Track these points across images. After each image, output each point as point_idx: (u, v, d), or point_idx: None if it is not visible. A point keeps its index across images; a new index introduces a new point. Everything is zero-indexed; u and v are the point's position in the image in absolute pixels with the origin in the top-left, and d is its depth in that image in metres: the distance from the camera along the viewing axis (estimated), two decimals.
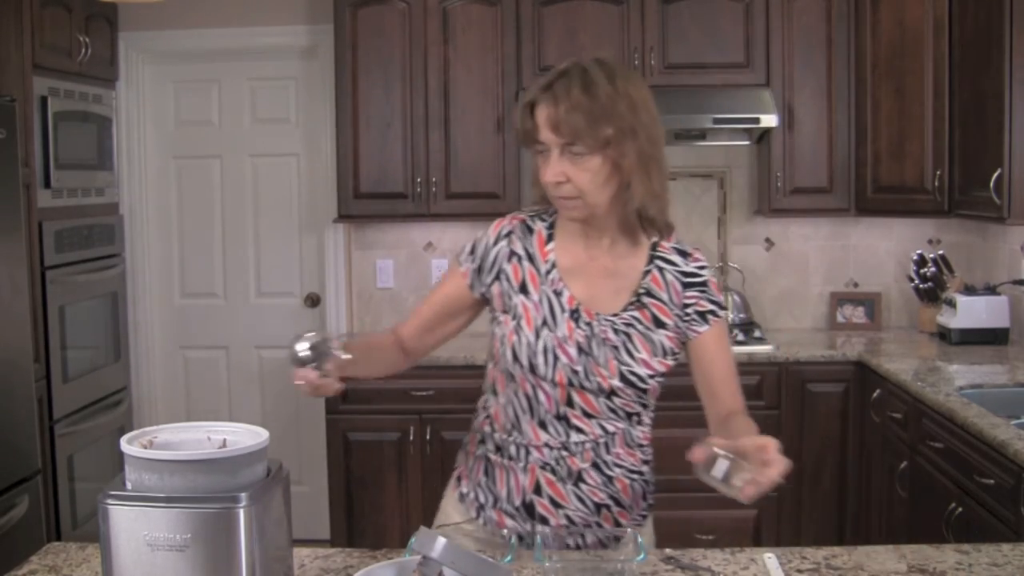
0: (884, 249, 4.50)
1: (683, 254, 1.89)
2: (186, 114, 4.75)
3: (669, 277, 1.86)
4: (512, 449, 1.88)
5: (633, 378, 1.82)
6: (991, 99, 3.44)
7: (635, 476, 1.91)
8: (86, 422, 4.06)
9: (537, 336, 1.82)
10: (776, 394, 3.93)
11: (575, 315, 1.82)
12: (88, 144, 4.21)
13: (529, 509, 1.87)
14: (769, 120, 4.01)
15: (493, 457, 1.91)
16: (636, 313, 1.84)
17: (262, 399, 4.80)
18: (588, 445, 1.84)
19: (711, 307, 1.87)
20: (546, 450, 1.85)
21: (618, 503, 1.90)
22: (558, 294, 1.84)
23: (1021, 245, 3.82)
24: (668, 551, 1.80)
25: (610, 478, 1.88)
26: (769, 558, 1.75)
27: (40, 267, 3.79)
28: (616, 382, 1.81)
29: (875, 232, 4.49)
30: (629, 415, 1.86)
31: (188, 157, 4.76)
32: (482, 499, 1.92)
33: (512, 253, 1.88)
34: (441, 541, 1.44)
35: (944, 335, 3.98)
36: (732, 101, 4.07)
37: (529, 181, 1.96)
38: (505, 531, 1.79)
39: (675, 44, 4.12)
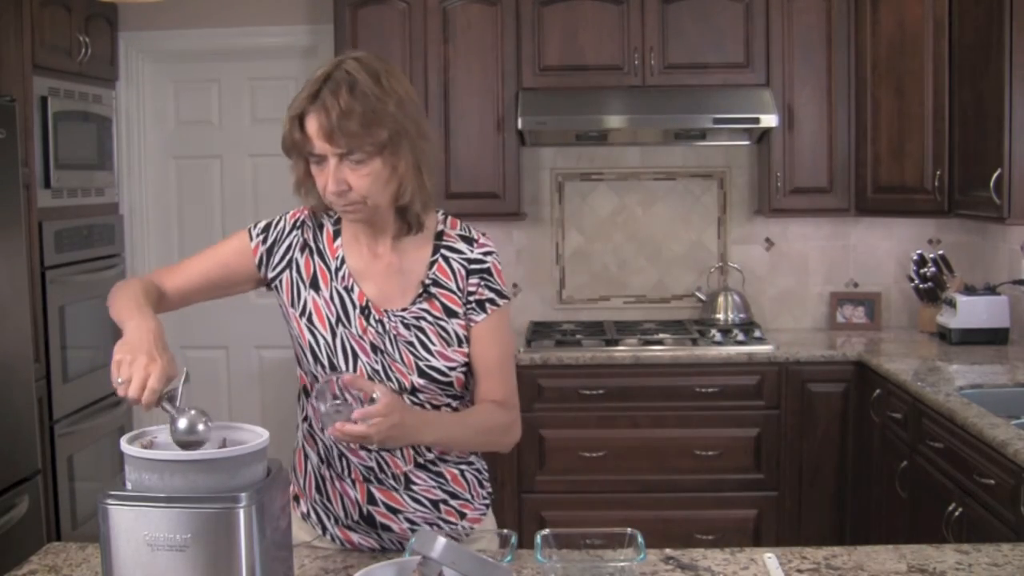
0: (884, 249, 4.50)
1: (468, 240, 1.85)
2: (186, 114, 4.75)
3: (455, 265, 1.83)
4: (336, 459, 1.85)
5: (433, 372, 1.79)
6: (991, 99, 3.44)
7: (464, 466, 1.89)
8: (86, 422, 4.06)
9: (333, 334, 1.80)
10: (776, 394, 3.93)
11: (365, 312, 1.79)
12: (88, 144, 4.21)
13: (369, 520, 1.85)
14: (769, 120, 4.01)
15: (321, 471, 1.88)
16: (425, 305, 1.80)
17: (262, 399, 4.80)
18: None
19: (490, 296, 1.83)
20: (364, 453, 1.82)
21: (455, 496, 1.88)
22: (348, 290, 1.81)
23: (1021, 245, 3.82)
24: (668, 551, 1.80)
25: (438, 473, 1.86)
26: (769, 558, 1.75)
27: (40, 267, 3.79)
28: (416, 378, 1.79)
29: (875, 232, 4.49)
30: (436, 407, 1.83)
31: (188, 157, 4.76)
32: (323, 518, 1.90)
33: (305, 244, 1.85)
34: (441, 541, 1.44)
35: (944, 335, 3.98)
36: (732, 101, 4.07)
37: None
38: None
39: (675, 44, 4.12)
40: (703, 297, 4.45)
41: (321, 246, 1.85)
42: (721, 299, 4.38)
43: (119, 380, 1.50)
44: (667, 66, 4.13)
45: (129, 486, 1.40)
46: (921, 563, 1.73)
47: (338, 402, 1.61)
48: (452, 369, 1.81)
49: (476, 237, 1.86)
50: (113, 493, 1.38)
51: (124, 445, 1.41)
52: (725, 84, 4.13)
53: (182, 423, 1.47)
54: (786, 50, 4.12)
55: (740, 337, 4.08)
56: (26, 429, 3.50)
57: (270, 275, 1.86)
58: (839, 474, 3.94)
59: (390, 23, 4.17)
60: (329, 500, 1.88)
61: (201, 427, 1.48)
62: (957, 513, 2.80)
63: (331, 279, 1.82)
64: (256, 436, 1.47)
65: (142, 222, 4.70)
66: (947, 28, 3.79)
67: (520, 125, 4.04)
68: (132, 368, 1.51)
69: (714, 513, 3.95)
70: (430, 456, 1.84)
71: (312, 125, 1.70)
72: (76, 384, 4.01)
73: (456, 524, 1.86)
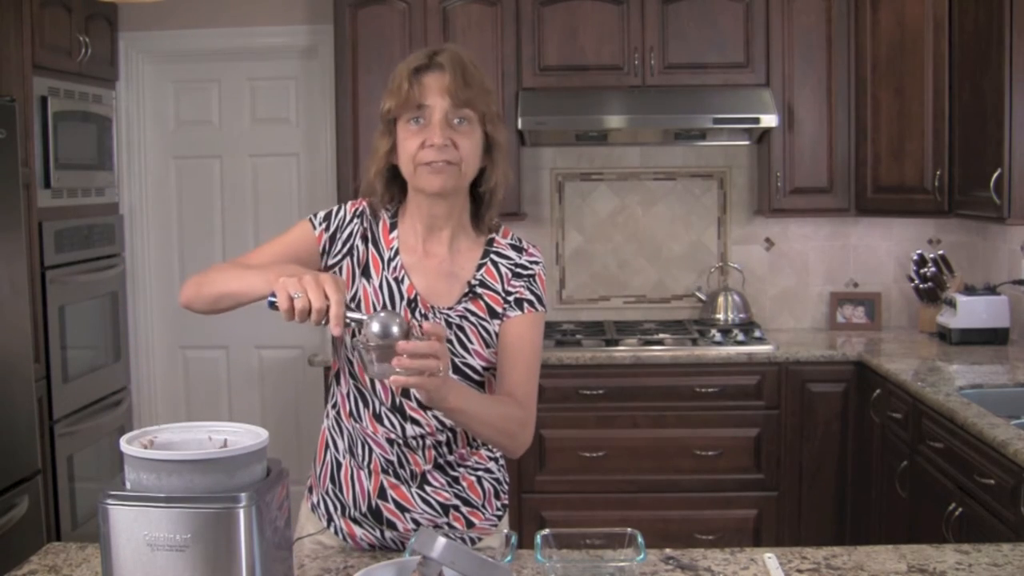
0: (884, 249, 4.50)
1: (518, 249, 1.91)
2: (186, 114, 4.75)
3: (503, 269, 1.88)
4: (360, 448, 1.87)
5: (467, 370, 1.82)
6: (991, 99, 3.44)
7: (482, 473, 1.90)
8: (86, 422, 4.06)
9: None
10: (776, 394, 3.93)
11: (412, 305, 1.82)
12: (88, 144, 4.21)
13: (376, 514, 1.86)
14: (769, 120, 4.01)
15: (340, 459, 1.90)
16: (470, 305, 1.84)
17: (262, 399, 4.80)
18: (428, 441, 1.83)
19: (530, 297, 1.87)
20: (387, 445, 1.83)
21: (467, 503, 1.89)
22: (399, 281, 1.84)
23: (1021, 245, 3.82)
24: (668, 551, 1.80)
25: (455, 478, 1.87)
26: (769, 558, 1.75)
27: (40, 267, 3.79)
28: (450, 374, 1.79)
29: (875, 232, 4.49)
30: None
31: (188, 157, 4.76)
32: (331, 508, 1.91)
33: (365, 233, 1.88)
34: (441, 541, 1.44)
35: (944, 335, 3.98)
36: (732, 101, 4.07)
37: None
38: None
39: (675, 44, 4.13)
40: (703, 297, 4.45)
41: (377, 235, 1.88)
42: (721, 299, 4.38)
43: (295, 295, 1.50)
44: (667, 66, 4.13)
45: (129, 486, 1.40)
46: (921, 563, 1.73)
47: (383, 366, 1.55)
48: (486, 369, 1.84)
49: (526, 247, 1.92)
50: (113, 493, 1.38)
51: (124, 445, 1.41)
52: (725, 84, 4.13)
53: (375, 327, 1.51)
54: (786, 50, 4.12)
55: (740, 337, 4.08)
56: (26, 429, 3.50)
57: (330, 262, 1.87)
58: (839, 474, 3.94)
59: (390, 23, 4.17)
60: (341, 489, 1.89)
61: (395, 329, 1.51)
62: (957, 513, 2.80)
63: (383, 268, 1.85)
64: (256, 436, 1.47)
65: (142, 222, 4.70)
66: (947, 28, 3.79)
67: (520, 125, 4.04)
68: (303, 284, 1.51)
69: (714, 513, 3.95)
70: (450, 458, 1.86)
71: (434, 80, 1.76)
72: (76, 384, 4.01)
73: (462, 533, 1.86)
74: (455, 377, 1.81)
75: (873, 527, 3.72)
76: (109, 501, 1.37)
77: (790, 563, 1.74)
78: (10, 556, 2.68)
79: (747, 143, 4.44)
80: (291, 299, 1.51)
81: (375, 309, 1.82)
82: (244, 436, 1.48)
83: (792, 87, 4.13)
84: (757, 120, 4.02)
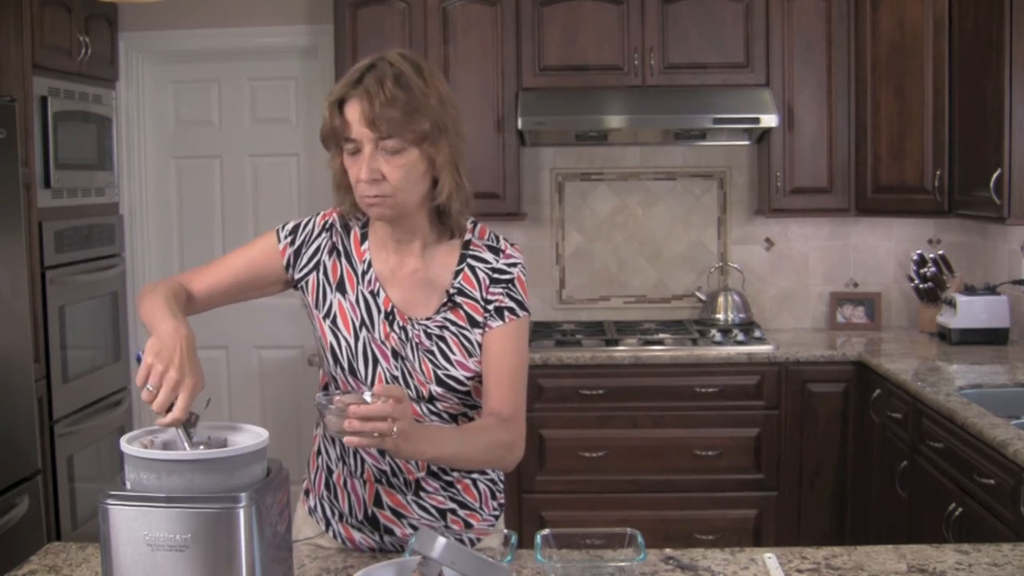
0: (884, 249, 4.50)
1: (495, 250, 1.84)
2: (186, 114, 4.75)
3: (480, 275, 1.82)
4: (351, 456, 1.84)
5: (451, 382, 1.78)
6: (991, 99, 3.44)
7: (477, 475, 1.88)
8: (86, 422, 4.06)
9: (356, 338, 1.79)
10: (776, 394, 3.93)
11: (389, 317, 1.79)
12: (88, 144, 4.21)
13: (373, 522, 1.85)
14: (769, 120, 4.01)
15: (333, 466, 1.88)
16: (449, 314, 1.79)
17: (262, 399, 4.80)
18: None
19: (511, 304, 1.81)
20: (378, 455, 1.81)
21: (464, 506, 1.87)
22: (374, 295, 1.80)
23: (1021, 245, 3.82)
24: (668, 551, 1.80)
25: (449, 483, 1.85)
26: (769, 558, 1.75)
27: (40, 267, 3.79)
28: (435, 387, 1.78)
29: (875, 232, 4.49)
30: (454, 416, 1.83)
31: (188, 157, 4.76)
32: (328, 513, 1.90)
33: (334, 247, 1.83)
34: (441, 541, 1.44)
35: (944, 335, 3.98)
36: (732, 101, 4.07)
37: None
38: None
39: (675, 44, 4.13)
40: (703, 297, 4.46)
41: (349, 249, 1.83)
42: (721, 299, 4.38)
43: (149, 387, 1.49)
44: (667, 66, 4.13)
45: (129, 486, 1.40)
46: (921, 563, 1.73)
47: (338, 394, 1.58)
48: (470, 379, 1.80)
49: (503, 247, 1.85)
50: (113, 493, 1.38)
51: (124, 445, 1.41)
52: (725, 84, 4.13)
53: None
54: (786, 50, 4.12)
55: (740, 337, 4.08)
56: (26, 429, 3.50)
57: (296, 276, 1.84)
58: (839, 474, 3.94)
59: (390, 23, 4.17)
60: (336, 496, 1.88)
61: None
62: (957, 513, 2.80)
63: (357, 283, 1.81)
64: (256, 436, 1.47)
65: (142, 222, 4.70)
66: (947, 28, 3.79)
67: (520, 125, 4.04)
68: (163, 379, 1.49)
69: (714, 513, 3.95)
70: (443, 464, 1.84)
71: (353, 110, 1.67)
72: (76, 384, 4.01)
73: (460, 533, 1.84)
74: (439, 390, 1.79)
75: (873, 527, 3.72)
76: (109, 501, 1.38)
77: (790, 563, 1.74)
78: (10, 556, 2.68)
79: (747, 143, 4.44)
80: (147, 377, 1.50)
81: (352, 325, 1.78)
82: (244, 436, 1.48)
83: (792, 87, 4.13)
84: (757, 120, 4.02)
